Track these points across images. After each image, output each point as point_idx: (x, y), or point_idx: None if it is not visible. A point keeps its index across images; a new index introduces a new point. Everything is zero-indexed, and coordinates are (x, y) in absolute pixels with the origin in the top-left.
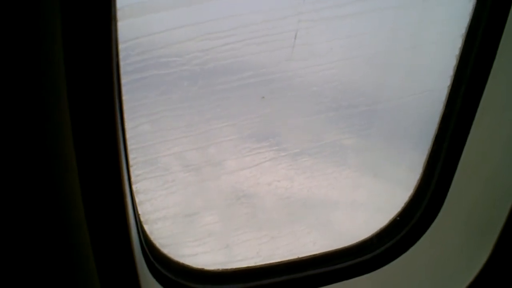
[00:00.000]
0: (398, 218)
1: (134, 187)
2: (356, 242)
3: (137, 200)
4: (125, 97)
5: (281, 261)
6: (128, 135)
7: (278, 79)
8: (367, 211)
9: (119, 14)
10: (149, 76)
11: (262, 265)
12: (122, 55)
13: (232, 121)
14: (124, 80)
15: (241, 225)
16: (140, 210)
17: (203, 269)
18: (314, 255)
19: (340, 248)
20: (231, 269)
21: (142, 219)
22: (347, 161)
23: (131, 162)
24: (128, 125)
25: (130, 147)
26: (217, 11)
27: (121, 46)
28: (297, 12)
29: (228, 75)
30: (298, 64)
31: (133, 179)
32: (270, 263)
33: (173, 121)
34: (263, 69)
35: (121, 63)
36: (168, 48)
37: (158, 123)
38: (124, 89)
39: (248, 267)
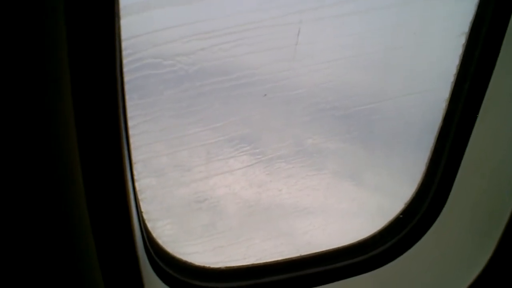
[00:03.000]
0: (401, 216)
1: (137, 185)
2: (359, 240)
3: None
4: None
5: (283, 259)
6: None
7: (268, 81)
8: (360, 217)
9: None
10: (133, 79)
11: (263, 263)
12: None
13: (215, 124)
14: None
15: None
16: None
17: (205, 266)
18: (316, 253)
19: (343, 246)
20: (233, 266)
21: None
22: (341, 166)
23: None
24: None
25: None
26: (208, 12)
27: None
28: (295, 11)
29: (210, 77)
30: (292, 64)
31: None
32: (272, 261)
33: (152, 124)
34: (252, 70)
35: None
36: (155, 49)
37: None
38: None
39: (250, 264)
